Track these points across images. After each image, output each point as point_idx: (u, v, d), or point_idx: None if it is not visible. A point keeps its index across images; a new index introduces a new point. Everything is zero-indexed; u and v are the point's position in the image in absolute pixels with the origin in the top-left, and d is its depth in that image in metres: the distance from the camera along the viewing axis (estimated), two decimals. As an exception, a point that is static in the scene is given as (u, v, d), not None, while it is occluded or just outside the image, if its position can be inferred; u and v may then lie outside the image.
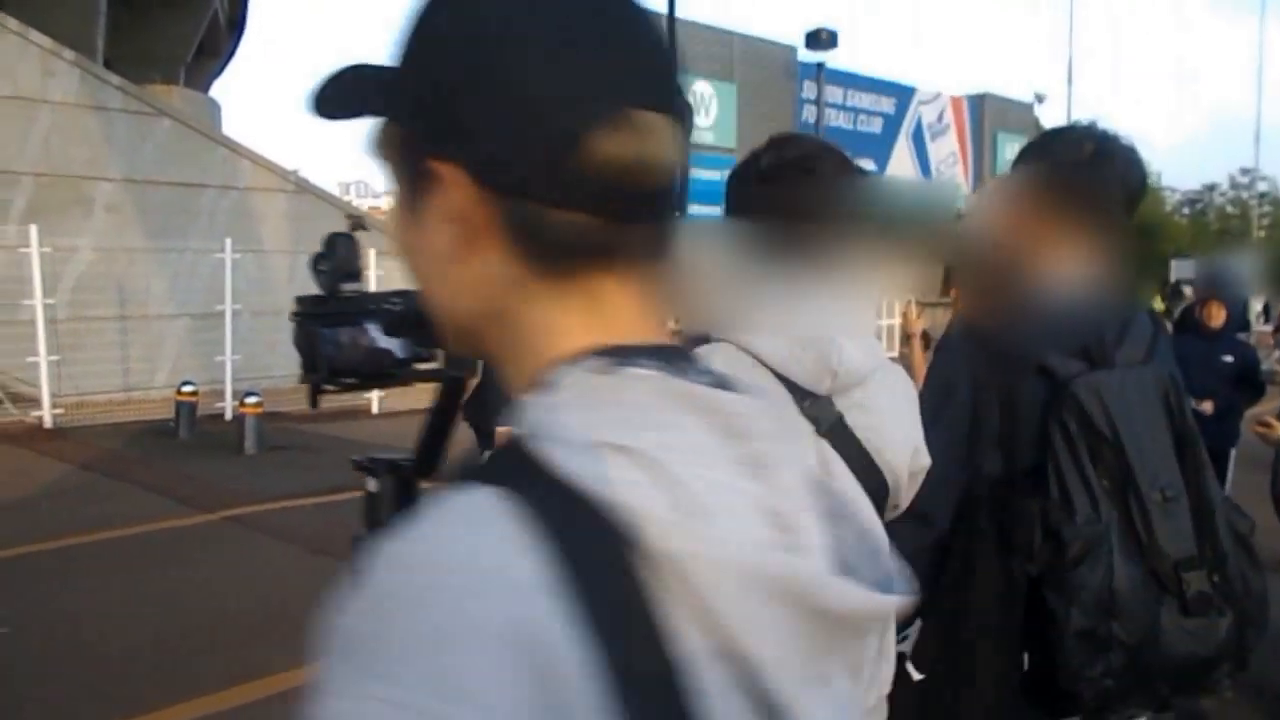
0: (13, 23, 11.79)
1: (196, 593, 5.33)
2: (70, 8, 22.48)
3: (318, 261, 1.00)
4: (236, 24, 37.56)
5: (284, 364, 13.86)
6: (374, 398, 12.44)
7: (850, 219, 1.47)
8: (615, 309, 0.65)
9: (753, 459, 0.60)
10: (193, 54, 32.90)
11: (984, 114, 22.66)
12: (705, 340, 2.13)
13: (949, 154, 21.34)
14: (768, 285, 1.43)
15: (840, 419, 1.40)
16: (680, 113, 0.64)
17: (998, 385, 1.58)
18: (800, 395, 1.38)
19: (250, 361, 12.27)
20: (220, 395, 11.61)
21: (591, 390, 0.60)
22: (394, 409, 12.36)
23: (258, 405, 9.52)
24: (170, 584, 5.48)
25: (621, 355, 0.61)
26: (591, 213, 0.60)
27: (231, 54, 39.58)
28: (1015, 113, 24.07)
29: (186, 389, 10.35)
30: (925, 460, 1.50)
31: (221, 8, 34.18)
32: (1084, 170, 1.65)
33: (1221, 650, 1.51)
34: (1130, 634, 1.46)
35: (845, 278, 1.45)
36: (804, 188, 1.44)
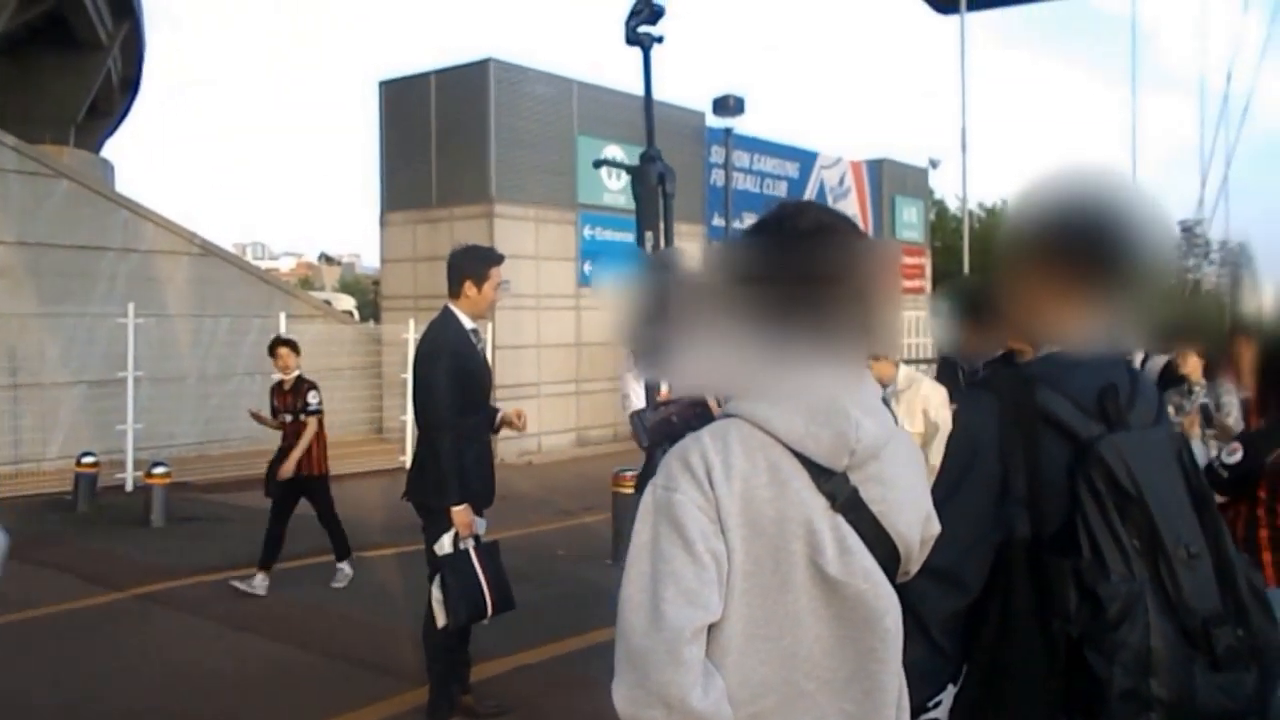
0: (-100, 80, 11.30)
1: (117, 678, 5.04)
2: (-45, 65, 21.70)
3: None
4: (131, 83, 36.72)
5: (188, 432, 13.40)
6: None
7: (861, 280, 1.46)
8: None
9: None
10: (84, 113, 32.01)
11: (883, 178, 23.44)
12: (703, 405, 2.13)
13: (851, 216, 21.96)
14: (774, 351, 1.42)
15: (855, 493, 1.40)
16: None
17: (1022, 446, 1.59)
18: (816, 472, 1.38)
19: (152, 430, 11.79)
20: (120, 466, 11.10)
21: None
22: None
23: (165, 476, 9.13)
24: (87, 669, 5.17)
25: None
26: None
27: (125, 113, 38.63)
28: (912, 177, 24.95)
29: (87, 460, 9.85)
30: (936, 527, 1.51)
31: (115, 67, 33.40)
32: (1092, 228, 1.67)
33: (1248, 705, 1.53)
34: (1169, 691, 1.47)
35: (849, 341, 1.44)
36: (821, 251, 1.44)
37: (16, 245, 12.20)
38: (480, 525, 4.18)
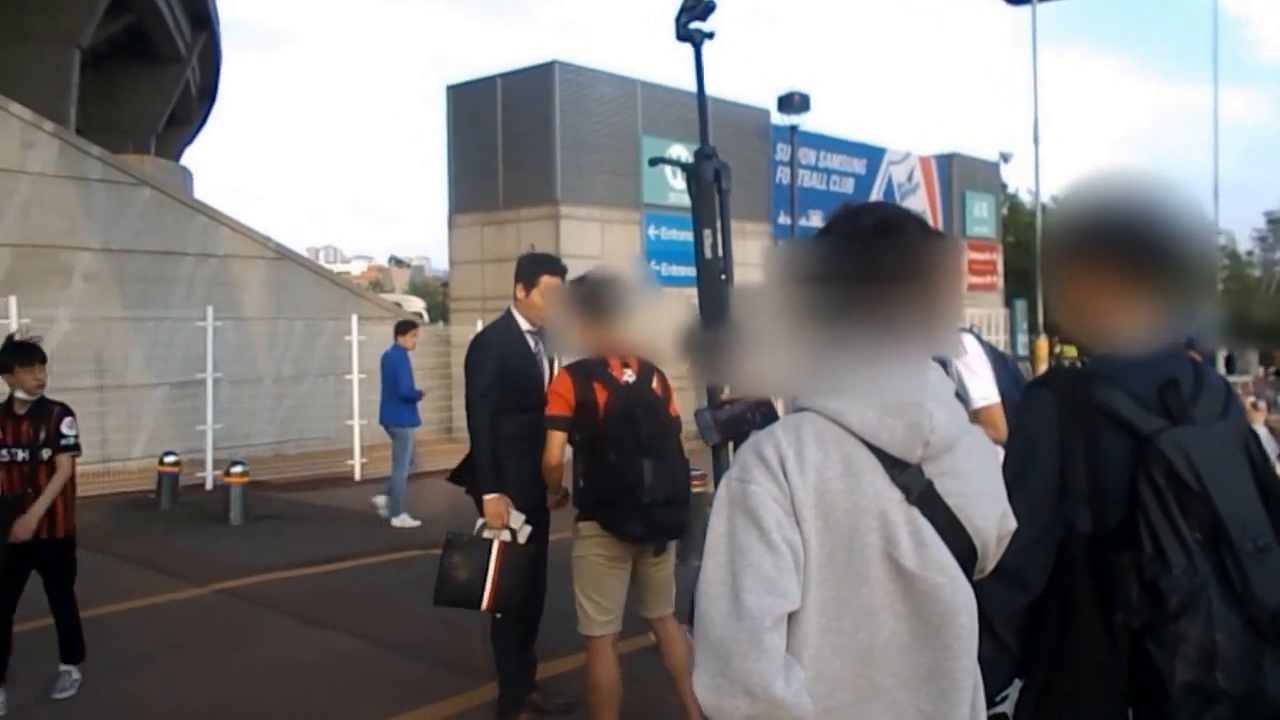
0: (-8, 95, 11.78)
1: (198, 672, 5.19)
2: (43, 78, 22.55)
3: None
4: (208, 93, 37.77)
5: (264, 431, 13.74)
6: (356, 465, 12.31)
7: (933, 278, 1.45)
8: None
9: None
10: (164, 123, 32.99)
11: (952, 173, 23.10)
12: (766, 403, 2.13)
13: (920, 212, 21.66)
14: (843, 348, 1.42)
15: (930, 486, 1.39)
16: None
17: (1082, 442, 1.59)
18: (890, 464, 1.38)
19: (230, 430, 12.12)
20: (200, 465, 11.43)
21: None
22: (377, 475, 12.24)
23: (243, 475, 9.38)
24: (169, 664, 5.34)
25: None
26: None
27: (203, 122, 39.75)
28: (982, 172, 24.57)
29: (169, 459, 10.17)
30: (1012, 523, 1.50)
31: (193, 77, 34.39)
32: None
33: None
34: (1235, 684, 1.46)
35: (916, 338, 1.44)
36: (891, 249, 1.44)
37: (102, 252, 12.64)
38: (516, 519, 4.12)
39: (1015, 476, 1.61)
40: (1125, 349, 1.67)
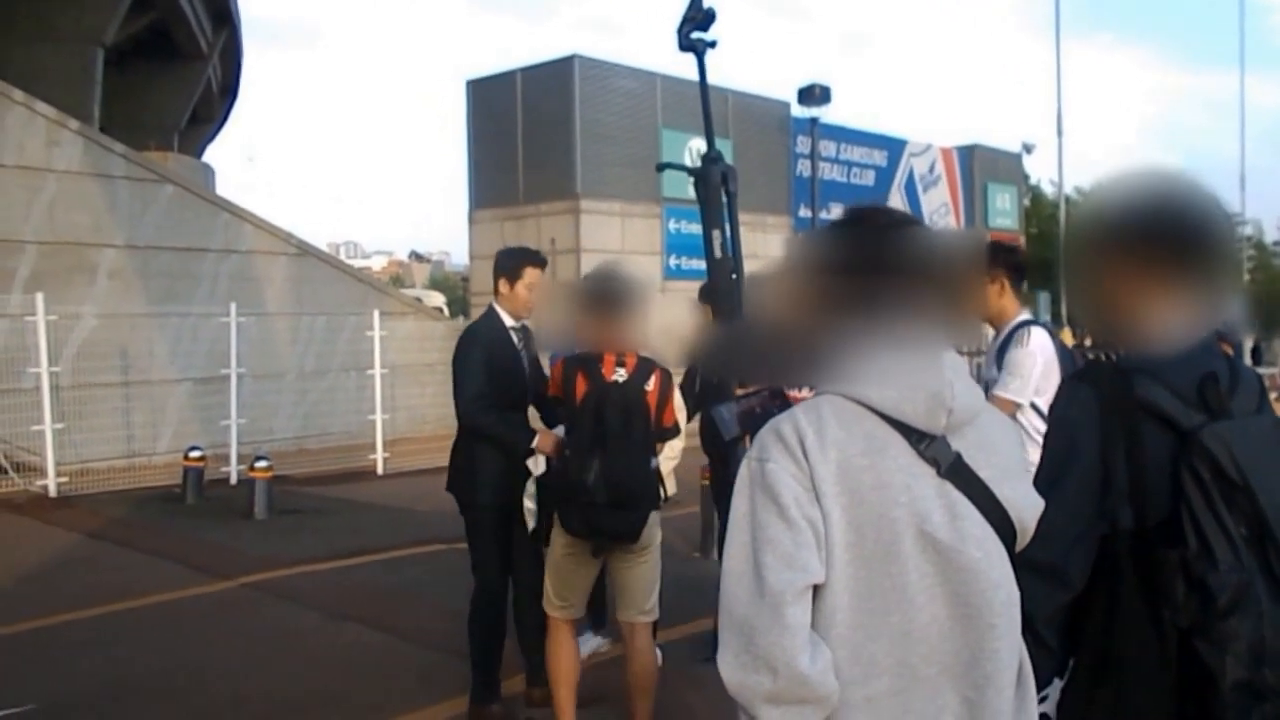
0: (18, 94, 11.87)
1: (224, 666, 5.24)
2: (67, 76, 22.74)
3: None
4: (229, 91, 37.98)
5: (287, 426, 13.82)
6: (378, 459, 12.36)
7: (941, 270, 1.48)
8: None
9: None
10: (186, 120, 33.22)
11: (974, 165, 22.94)
12: (781, 395, 2.14)
13: (941, 204, 21.57)
14: (864, 337, 1.43)
15: (959, 458, 1.39)
16: None
17: (1123, 438, 1.58)
18: (916, 438, 1.38)
19: (253, 425, 12.21)
20: (224, 459, 11.51)
21: None
22: (398, 469, 12.29)
23: (268, 469, 9.44)
24: (197, 656, 5.38)
25: None
26: None
27: (224, 120, 39.98)
28: (1004, 163, 24.39)
29: (194, 454, 10.26)
30: (1040, 500, 1.49)
31: (214, 75, 34.59)
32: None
33: None
34: None
35: (929, 327, 1.45)
36: (903, 241, 1.46)
37: (126, 248, 12.74)
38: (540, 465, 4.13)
39: (1057, 472, 1.61)
40: (1160, 346, 1.65)
